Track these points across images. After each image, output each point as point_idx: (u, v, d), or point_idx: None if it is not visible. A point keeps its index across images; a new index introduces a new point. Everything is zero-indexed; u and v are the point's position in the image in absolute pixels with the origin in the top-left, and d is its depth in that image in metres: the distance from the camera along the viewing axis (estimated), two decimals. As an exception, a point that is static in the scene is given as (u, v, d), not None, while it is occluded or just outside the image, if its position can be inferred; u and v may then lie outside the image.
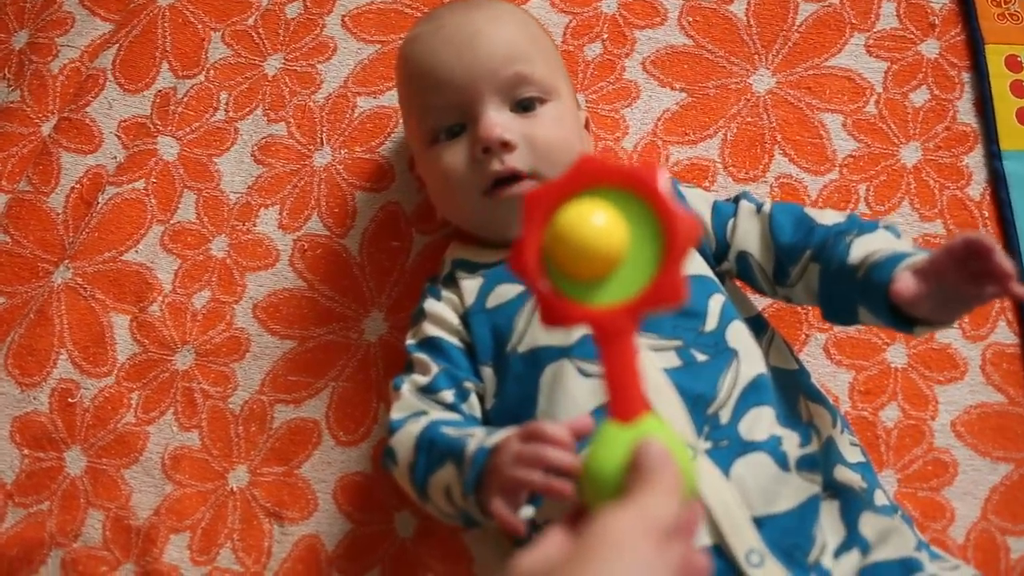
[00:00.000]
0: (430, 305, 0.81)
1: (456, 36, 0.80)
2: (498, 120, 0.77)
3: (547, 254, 0.53)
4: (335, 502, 0.88)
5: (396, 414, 0.76)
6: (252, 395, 0.92)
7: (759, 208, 0.80)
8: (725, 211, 0.81)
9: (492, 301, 0.78)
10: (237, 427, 0.91)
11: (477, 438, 0.68)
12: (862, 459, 0.77)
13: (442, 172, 0.80)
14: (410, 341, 0.80)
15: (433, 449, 0.71)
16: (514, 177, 0.78)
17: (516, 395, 0.74)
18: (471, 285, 0.80)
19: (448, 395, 0.76)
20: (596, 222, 0.51)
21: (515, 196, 0.77)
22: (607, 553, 0.45)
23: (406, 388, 0.77)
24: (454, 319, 0.79)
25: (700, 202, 0.82)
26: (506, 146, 0.77)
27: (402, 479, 0.75)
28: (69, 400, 0.93)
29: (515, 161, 0.77)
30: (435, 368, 0.77)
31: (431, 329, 0.79)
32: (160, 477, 0.90)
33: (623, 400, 0.52)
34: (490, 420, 0.76)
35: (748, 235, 0.79)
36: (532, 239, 0.53)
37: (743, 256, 0.79)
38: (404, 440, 0.73)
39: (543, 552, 0.48)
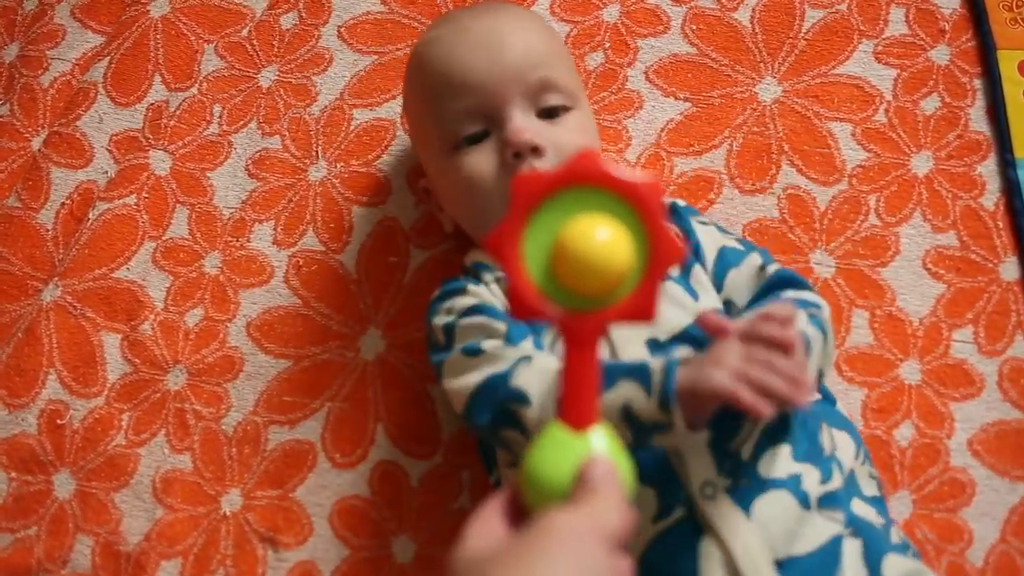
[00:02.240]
0: (466, 285, 0.76)
1: (482, 40, 0.78)
2: (527, 125, 0.75)
3: (550, 257, 0.52)
4: (331, 527, 0.85)
5: (496, 367, 0.68)
6: (246, 416, 0.89)
7: (763, 267, 0.76)
8: (731, 259, 0.77)
9: None
10: (230, 449, 0.88)
11: (657, 360, 0.63)
12: (877, 493, 0.74)
13: (466, 179, 0.77)
14: (445, 319, 0.75)
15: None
16: None
17: None
18: (497, 289, 0.77)
19: (529, 346, 0.71)
20: (609, 247, 0.51)
21: None
22: (556, 549, 0.45)
23: (490, 344, 0.70)
24: (495, 300, 0.75)
25: (708, 241, 0.78)
26: (537, 151, 0.75)
27: (544, 419, 0.65)
28: (58, 421, 0.90)
29: (545, 167, 0.75)
30: (501, 325, 0.72)
31: (474, 300, 0.75)
32: (151, 501, 0.87)
33: (577, 408, 0.52)
34: None
35: (741, 289, 0.76)
36: (515, 223, 0.53)
37: (728, 303, 0.76)
38: (537, 375, 0.66)
39: (483, 542, 0.49)
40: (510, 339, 0.71)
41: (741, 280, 0.76)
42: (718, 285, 0.77)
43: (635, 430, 0.62)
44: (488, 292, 0.77)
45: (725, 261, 0.77)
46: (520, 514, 0.51)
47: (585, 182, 0.53)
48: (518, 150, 0.75)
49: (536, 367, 0.67)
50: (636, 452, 0.59)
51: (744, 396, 0.57)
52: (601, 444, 0.52)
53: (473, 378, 0.69)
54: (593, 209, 0.52)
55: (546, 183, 0.53)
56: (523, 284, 0.53)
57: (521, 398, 0.66)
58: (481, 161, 0.77)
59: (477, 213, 0.79)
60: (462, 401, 0.70)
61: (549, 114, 0.78)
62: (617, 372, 0.63)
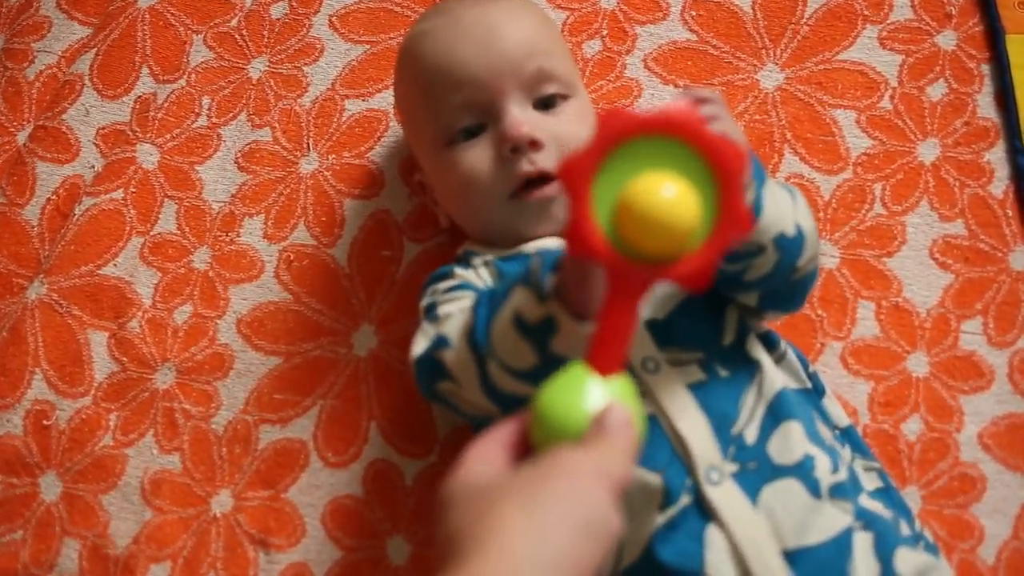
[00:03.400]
0: (453, 269, 0.75)
1: (475, 30, 0.76)
2: (524, 118, 0.73)
3: (616, 203, 0.50)
4: (324, 528, 0.83)
5: (443, 328, 0.67)
6: (236, 415, 0.87)
7: None
8: None
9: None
10: (220, 449, 0.86)
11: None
12: (880, 484, 0.72)
13: (463, 174, 0.75)
14: (429, 300, 0.73)
15: (494, 296, 0.63)
16: (543, 178, 0.73)
17: None
18: (485, 273, 0.75)
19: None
20: (675, 210, 0.49)
21: (545, 199, 0.73)
22: (565, 488, 0.45)
23: (448, 308, 0.69)
24: (480, 282, 0.74)
25: None
26: (535, 145, 0.73)
27: (459, 356, 0.65)
28: (44, 422, 0.88)
29: (544, 161, 0.73)
30: (481, 282, 0.71)
31: (458, 280, 0.73)
32: (139, 503, 0.85)
33: (606, 353, 0.51)
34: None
35: None
36: (593, 158, 0.51)
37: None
38: (456, 318, 0.66)
39: (485, 470, 0.48)
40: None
41: None
42: None
43: (530, 339, 0.60)
44: (475, 275, 0.75)
45: None
46: (523, 448, 0.50)
47: (674, 134, 0.51)
48: (516, 144, 0.72)
49: (461, 308, 0.67)
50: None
51: None
52: (623, 392, 0.51)
53: (423, 344, 0.69)
54: (672, 164, 0.50)
55: (635, 124, 0.50)
56: (585, 219, 0.50)
57: (443, 342, 0.65)
58: (477, 156, 0.74)
59: (474, 210, 0.77)
60: (413, 368, 0.69)
61: (546, 104, 0.76)
62: (512, 282, 0.61)
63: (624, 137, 0.51)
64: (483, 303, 0.64)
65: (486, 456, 0.49)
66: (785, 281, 0.68)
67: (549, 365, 0.58)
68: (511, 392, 0.63)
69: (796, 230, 0.66)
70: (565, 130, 0.74)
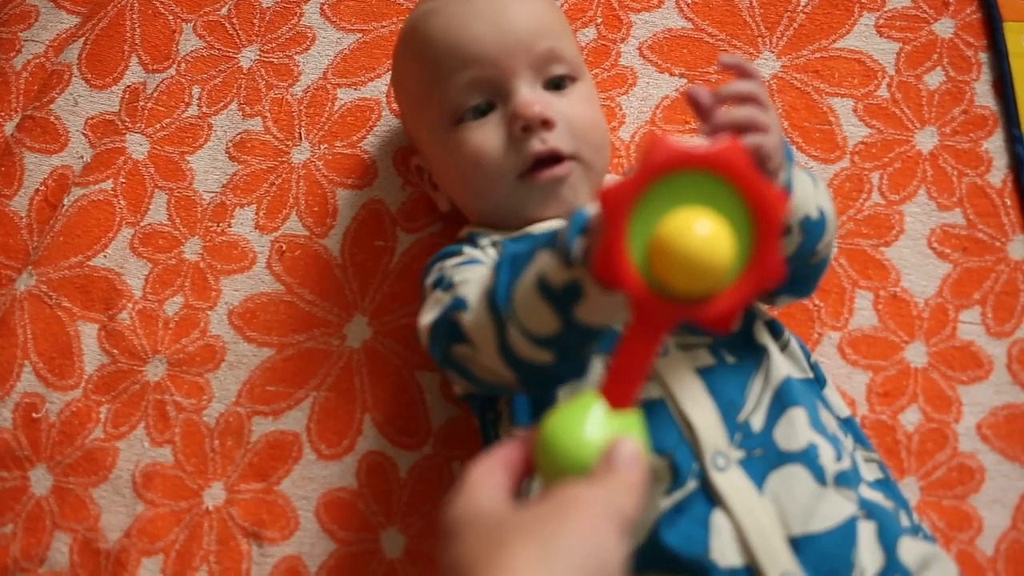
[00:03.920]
0: (462, 248, 0.73)
1: (486, 9, 0.75)
2: (536, 97, 0.73)
3: (651, 236, 0.49)
4: (318, 520, 0.82)
5: (460, 291, 0.65)
6: (228, 407, 0.86)
7: None
8: None
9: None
10: (212, 441, 0.85)
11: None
12: (880, 475, 0.71)
13: (471, 153, 0.74)
14: (436, 275, 0.71)
15: (516, 258, 0.61)
16: (554, 158, 0.72)
17: None
18: (493, 253, 0.74)
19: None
20: (709, 258, 0.48)
21: (555, 178, 0.72)
22: (574, 527, 0.44)
23: (463, 275, 0.67)
24: (489, 261, 0.72)
25: None
26: (547, 124, 0.72)
27: (477, 318, 0.63)
28: (34, 415, 0.87)
29: (556, 140, 0.72)
30: (490, 260, 0.70)
31: (467, 257, 0.72)
32: (131, 496, 0.84)
33: (622, 387, 0.50)
34: (513, 406, 0.70)
35: None
36: (638, 186, 0.49)
37: None
38: (474, 283, 0.64)
39: (490, 501, 0.47)
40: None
41: None
42: None
43: (554, 304, 0.57)
44: (482, 254, 0.73)
45: None
46: (526, 470, 0.50)
47: (719, 172, 0.49)
48: (528, 123, 0.72)
49: (480, 274, 0.65)
50: (649, 418, 0.57)
51: None
52: (633, 427, 0.50)
53: (435, 310, 0.67)
54: (710, 199, 0.49)
55: (680, 157, 0.49)
56: (619, 249, 0.49)
57: (460, 304, 0.64)
58: (487, 135, 0.73)
59: (480, 190, 0.76)
60: (426, 334, 0.68)
61: (556, 85, 0.75)
62: (538, 246, 0.59)
63: (667, 170, 0.49)
64: (505, 265, 0.62)
65: (491, 480, 0.49)
66: (804, 264, 0.68)
67: (571, 332, 0.57)
68: (528, 359, 0.61)
69: (819, 213, 0.66)
70: (575, 111, 0.74)
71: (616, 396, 0.50)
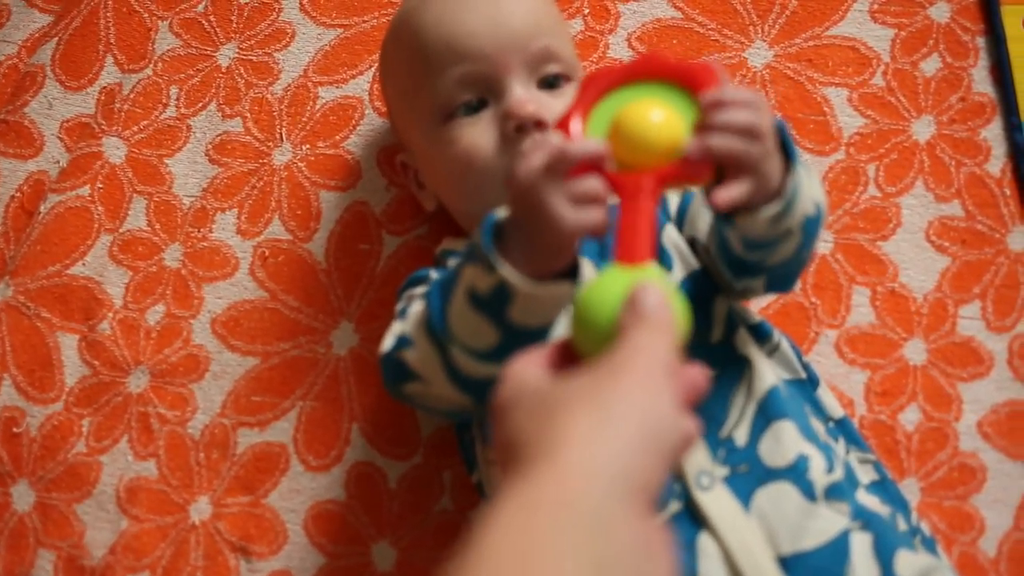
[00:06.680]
0: (429, 272, 0.72)
1: (480, 2, 0.73)
2: (529, 96, 0.71)
3: (609, 137, 0.56)
4: (306, 534, 0.80)
5: (406, 327, 0.66)
6: (213, 419, 0.84)
7: None
8: (689, 194, 0.74)
9: None
10: (197, 454, 0.83)
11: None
12: (876, 477, 0.70)
13: (463, 151, 0.72)
14: (403, 305, 0.71)
15: (444, 282, 0.62)
16: None
17: None
18: None
19: None
20: (657, 119, 0.55)
21: None
22: (621, 389, 0.44)
23: (420, 305, 0.66)
24: None
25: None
26: (540, 125, 0.70)
27: (420, 351, 0.63)
28: (14, 430, 0.85)
29: (549, 141, 0.70)
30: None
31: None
32: (115, 511, 0.82)
33: (631, 244, 0.51)
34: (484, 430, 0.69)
35: (699, 214, 0.72)
36: (580, 108, 0.58)
37: (693, 240, 0.72)
38: (413, 315, 0.65)
39: (532, 375, 0.47)
40: None
41: (696, 205, 0.72)
42: (680, 222, 0.73)
43: (487, 313, 0.58)
44: None
45: (685, 199, 0.75)
46: (564, 362, 0.49)
47: (651, 76, 0.57)
48: (521, 123, 0.69)
49: (416, 309, 0.65)
50: None
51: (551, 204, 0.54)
52: (653, 276, 0.50)
53: (388, 342, 0.67)
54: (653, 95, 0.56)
55: (612, 77, 0.58)
56: (575, 111, 0.57)
57: (404, 343, 0.64)
58: (478, 133, 0.71)
59: (471, 189, 0.74)
60: (381, 368, 0.67)
61: (549, 84, 0.73)
62: (460, 265, 0.60)
63: (604, 91, 0.58)
64: (434, 292, 0.62)
65: (532, 363, 0.48)
66: (799, 263, 0.67)
67: (511, 339, 0.57)
68: (479, 377, 0.61)
69: (816, 209, 0.64)
70: None
71: (629, 253, 0.51)
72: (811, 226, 0.64)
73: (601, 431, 0.42)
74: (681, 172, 0.53)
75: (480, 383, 0.61)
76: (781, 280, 0.69)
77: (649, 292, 0.47)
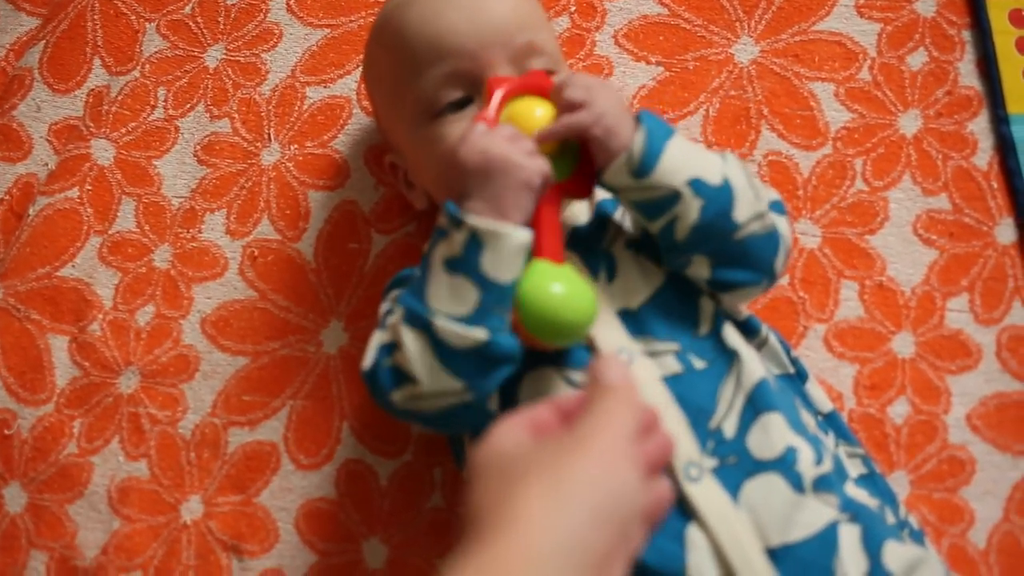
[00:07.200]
0: (414, 272, 0.72)
1: (462, 1, 0.73)
2: None
3: None
4: (298, 532, 0.80)
5: (388, 335, 0.66)
6: (203, 418, 0.84)
7: None
8: None
9: None
10: (188, 454, 0.83)
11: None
12: (864, 470, 0.70)
13: (450, 149, 0.70)
14: (386, 306, 0.71)
15: (418, 276, 0.65)
16: None
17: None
18: None
19: None
20: (539, 113, 0.68)
21: None
22: (583, 462, 0.46)
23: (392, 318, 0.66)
24: None
25: None
26: None
27: (404, 347, 0.63)
28: (5, 432, 0.85)
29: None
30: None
31: None
32: (107, 512, 0.82)
33: (552, 244, 0.64)
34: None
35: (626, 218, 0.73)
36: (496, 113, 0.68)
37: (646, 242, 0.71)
38: (390, 324, 0.66)
39: (509, 437, 0.49)
40: None
41: (622, 210, 0.74)
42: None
43: (463, 270, 0.62)
44: None
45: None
46: (551, 425, 0.52)
47: (536, 93, 0.68)
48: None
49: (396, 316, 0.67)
50: None
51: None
52: (573, 272, 0.63)
53: (371, 355, 0.66)
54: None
55: (511, 90, 0.68)
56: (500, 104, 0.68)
57: (390, 348, 0.65)
58: (465, 130, 0.71)
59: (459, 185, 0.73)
60: (368, 382, 0.67)
61: None
62: (430, 251, 0.65)
63: (536, 91, 0.69)
64: (408, 290, 0.65)
65: (515, 426, 0.50)
66: (726, 239, 0.66)
67: (489, 294, 0.61)
68: (466, 347, 0.61)
69: (722, 180, 0.65)
70: None
71: (553, 252, 0.63)
72: (711, 193, 0.64)
73: (554, 508, 0.44)
74: (570, 185, 0.67)
75: (469, 357, 0.61)
76: (729, 264, 0.67)
77: (611, 365, 0.50)
